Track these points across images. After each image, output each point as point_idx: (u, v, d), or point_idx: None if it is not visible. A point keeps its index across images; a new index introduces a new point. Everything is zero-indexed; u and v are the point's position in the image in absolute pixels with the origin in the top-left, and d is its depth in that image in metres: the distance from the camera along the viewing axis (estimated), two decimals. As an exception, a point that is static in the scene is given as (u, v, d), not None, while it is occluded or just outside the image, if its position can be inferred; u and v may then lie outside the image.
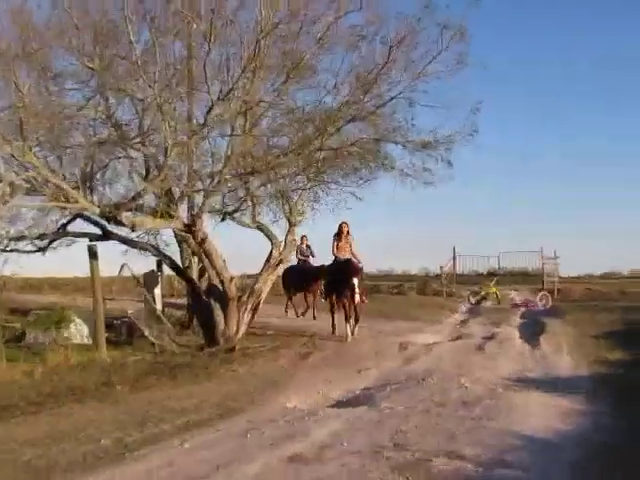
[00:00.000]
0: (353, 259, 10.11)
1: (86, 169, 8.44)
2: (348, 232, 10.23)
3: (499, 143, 39.62)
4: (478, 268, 24.07)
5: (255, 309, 9.67)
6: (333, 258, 10.27)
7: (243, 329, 9.39)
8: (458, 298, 19.16)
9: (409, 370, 7.59)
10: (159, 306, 10.18)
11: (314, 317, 12.78)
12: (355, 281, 9.65)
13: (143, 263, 10.36)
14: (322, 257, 12.78)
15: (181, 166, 8.45)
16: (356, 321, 10.06)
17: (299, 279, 13.09)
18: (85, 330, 9.69)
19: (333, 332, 10.38)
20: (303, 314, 12.96)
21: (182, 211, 9.04)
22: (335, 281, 10.09)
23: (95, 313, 8.81)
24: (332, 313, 10.45)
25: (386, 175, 9.42)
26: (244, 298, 9.47)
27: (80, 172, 8.44)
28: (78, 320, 9.77)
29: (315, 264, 13.28)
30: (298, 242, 12.53)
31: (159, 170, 8.01)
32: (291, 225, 10.39)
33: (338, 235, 10.24)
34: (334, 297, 10.23)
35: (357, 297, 9.68)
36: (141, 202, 8.41)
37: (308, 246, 13.77)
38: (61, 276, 20.58)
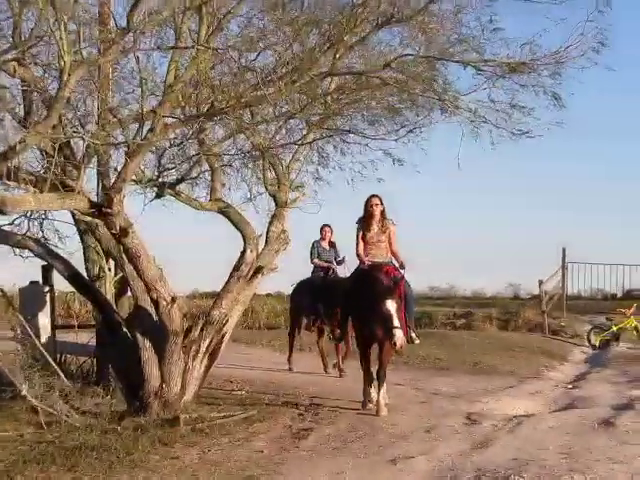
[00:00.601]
0: (392, 264, 9.99)
1: None
2: (384, 214, 10.06)
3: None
4: (605, 285, 23.96)
5: (215, 352, 9.77)
6: (358, 263, 10.15)
7: (194, 386, 9.49)
8: (570, 337, 19.24)
9: (482, 461, 7.57)
10: (45, 343, 10.15)
11: (339, 371, 12.87)
12: (391, 306, 9.32)
13: (19, 271, 10.41)
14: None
15: (87, 101, 8.55)
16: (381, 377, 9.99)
17: (316, 302, 13.10)
18: None
19: (364, 405, 10.02)
20: (339, 368, 12.91)
21: (88, 181, 9.11)
22: (358, 307, 9.81)
23: None
24: (365, 365, 10.07)
25: (446, 120, 9.44)
26: (195, 333, 9.54)
27: None
28: None
29: (343, 274, 13.08)
30: (313, 237, 12.88)
31: (49, 108, 7.88)
32: (279, 206, 10.46)
33: (366, 220, 10.07)
34: (360, 336, 10.06)
35: (399, 336, 9.24)
36: (16, 164, 8.22)
37: (332, 244, 13.76)
38: None
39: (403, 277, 9.86)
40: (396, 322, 9.27)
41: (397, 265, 10.02)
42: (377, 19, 8.39)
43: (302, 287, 13.78)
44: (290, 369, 13.45)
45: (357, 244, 10.04)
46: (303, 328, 13.72)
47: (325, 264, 13.58)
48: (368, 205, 10.02)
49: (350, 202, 10.56)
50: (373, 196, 10.03)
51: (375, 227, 10.01)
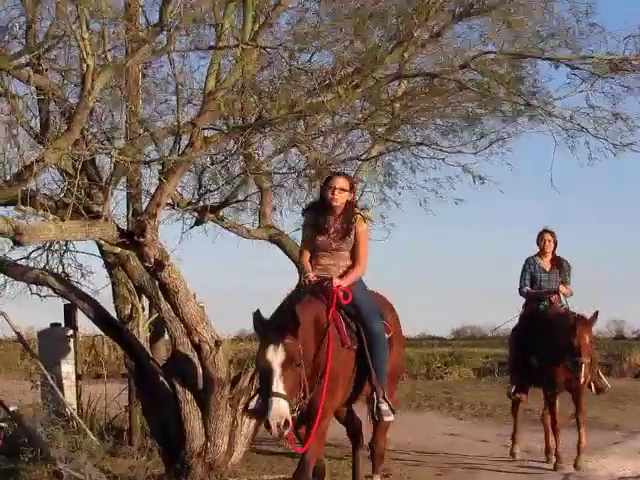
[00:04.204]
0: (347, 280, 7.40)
1: None
2: (351, 206, 7.49)
3: None
4: None
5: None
6: (304, 278, 7.55)
7: (243, 445, 9.44)
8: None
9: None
10: (71, 397, 10.39)
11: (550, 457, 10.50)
12: (275, 356, 6.43)
13: (38, 312, 10.56)
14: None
15: (114, 112, 8.66)
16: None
17: (525, 353, 10.37)
18: None
19: None
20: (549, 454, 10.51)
21: (117, 206, 9.14)
22: None
23: None
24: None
25: (535, 130, 9.63)
26: (244, 382, 9.50)
27: None
28: None
29: (567, 308, 10.37)
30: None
31: (69, 121, 7.90)
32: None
33: (320, 212, 7.54)
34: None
35: (273, 414, 6.24)
36: (33, 187, 8.25)
37: (558, 261, 10.46)
38: None
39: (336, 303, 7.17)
40: (276, 386, 6.38)
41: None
42: (453, 10, 8.55)
43: (525, 324, 10.56)
44: (512, 453, 10.77)
45: (302, 247, 7.82)
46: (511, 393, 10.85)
47: (541, 292, 10.32)
48: (327, 189, 7.42)
49: (423, 226, 10.04)
50: (337, 175, 7.58)
51: (334, 225, 7.45)
